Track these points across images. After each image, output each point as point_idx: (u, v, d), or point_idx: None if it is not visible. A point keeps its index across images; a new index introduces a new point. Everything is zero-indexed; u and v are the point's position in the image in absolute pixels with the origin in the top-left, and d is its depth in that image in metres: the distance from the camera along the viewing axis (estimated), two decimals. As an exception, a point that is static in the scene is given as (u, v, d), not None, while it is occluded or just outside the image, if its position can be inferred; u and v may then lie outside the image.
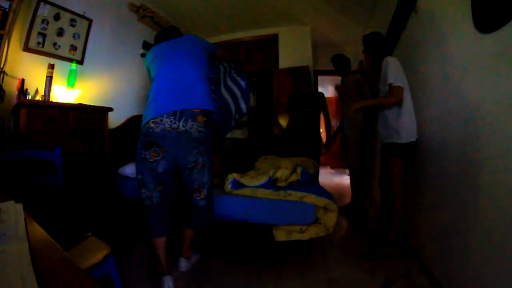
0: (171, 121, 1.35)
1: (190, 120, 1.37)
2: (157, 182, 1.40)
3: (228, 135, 2.88)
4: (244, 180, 1.75)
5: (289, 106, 3.02)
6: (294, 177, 1.81)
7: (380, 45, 1.84)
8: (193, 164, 1.42)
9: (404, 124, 1.67)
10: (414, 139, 1.67)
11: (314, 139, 2.84)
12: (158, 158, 1.37)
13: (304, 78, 2.88)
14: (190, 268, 1.62)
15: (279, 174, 1.76)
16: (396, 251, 1.84)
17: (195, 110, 1.39)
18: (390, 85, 1.63)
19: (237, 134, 2.87)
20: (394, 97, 1.63)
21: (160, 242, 1.44)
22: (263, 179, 1.75)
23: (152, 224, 1.43)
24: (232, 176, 1.76)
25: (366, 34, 1.90)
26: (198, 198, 1.48)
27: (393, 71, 1.64)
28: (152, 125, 1.36)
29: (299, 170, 1.83)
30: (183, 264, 1.58)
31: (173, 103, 1.37)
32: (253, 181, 1.74)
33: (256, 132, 4.03)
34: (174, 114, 1.35)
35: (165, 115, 1.35)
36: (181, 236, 1.61)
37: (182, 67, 1.46)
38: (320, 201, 1.62)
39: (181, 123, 1.36)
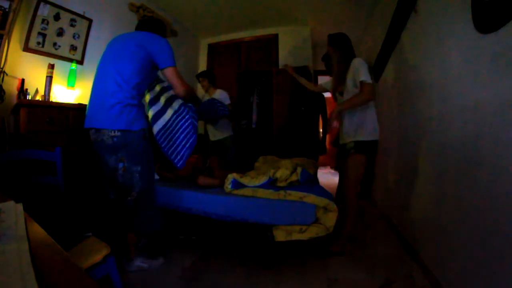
0: (92, 133, 1.44)
1: (102, 129, 1.38)
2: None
3: (212, 138, 2.91)
4: (244, 180, 1.75)
5: (289, 105, 3.04)
6: (294, 177, 1.81)
7: (347, 45, 1.85)
8: (114, 170, 1.43)
9: (370, 123, 1.74)
10: (377, 138, 1.75)
11: (310, 138, 2.85)
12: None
13: (305, 78, 2.89)
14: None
15: (279, 174, 1.76)
16: (395, 252, 1.84)
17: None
18: (362, 82, 1.65)
19: (217, 134, 2.89)
20: (367, 94, 1.65)
21: None
22: (263, 179, 1.75)
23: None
24: (232, 176, 1.76)
25: (332, 34, 1.91)
26: (129, 198, 1.48)
27: (366, 69, 1.67)
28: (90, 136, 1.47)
29: (299, 170, 1.83)
30: (128, 265, 1.55)
31: (90, 119, 1.42)
32: (253, 181, 1.74)
33: (257, 131, 4.04)
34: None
35: (89, 129, 1.44)
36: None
37: (105, 75, 1.42)
38: (320, 201, 1.61)
39: (97, 134, 1.41)
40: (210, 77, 2.86)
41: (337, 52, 1.85)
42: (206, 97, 2.88)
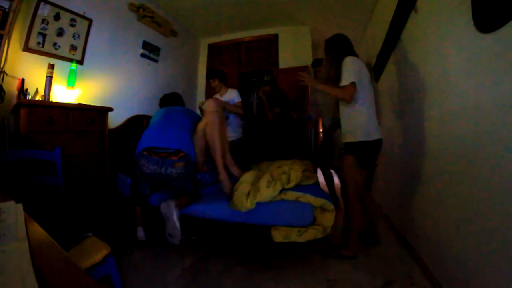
0: None
1: None
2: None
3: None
4: (261, 197, 1.61)
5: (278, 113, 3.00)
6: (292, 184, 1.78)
7: (339, 45, 1.83)
8: None
9: (359, 124, 1.71)
10: (369, 139, 1.70)
11: (296, 141, 2.79)
12: None
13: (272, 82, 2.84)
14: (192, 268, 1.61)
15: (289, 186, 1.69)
16: (395, 252, 1.84)
17: None
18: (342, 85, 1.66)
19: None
20: (345, 93, 1.64)
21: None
22: (278, 188, 1.62)
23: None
24: (249, 202, 1.61)
25: (328, 38, 1.91)
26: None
27: (349, 72, 1.65)
28: None
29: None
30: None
31: None
32: (269, 192, 1.61)
33: (256, 131, 4.03)
34: None
35: None
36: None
37: None
38: (317, 201, 1.60)
39: None
40: (220, 77, 2.83)
41: (328, 55, 1.85)
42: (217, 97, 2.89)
